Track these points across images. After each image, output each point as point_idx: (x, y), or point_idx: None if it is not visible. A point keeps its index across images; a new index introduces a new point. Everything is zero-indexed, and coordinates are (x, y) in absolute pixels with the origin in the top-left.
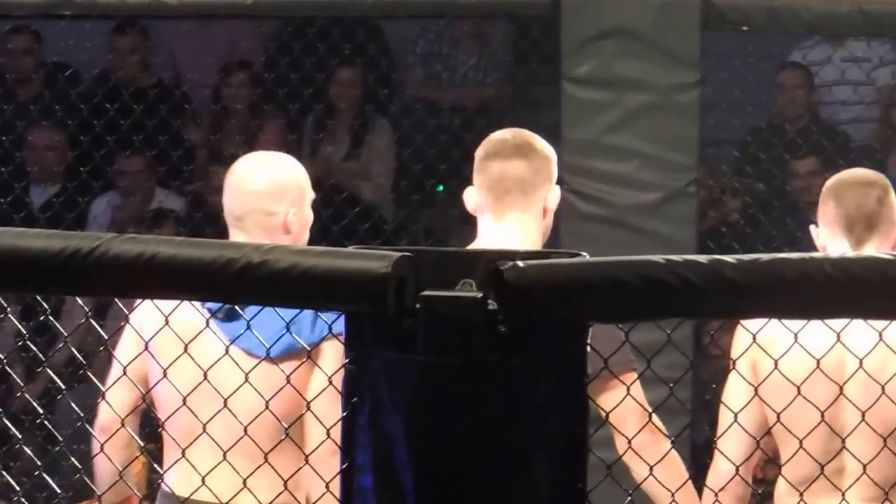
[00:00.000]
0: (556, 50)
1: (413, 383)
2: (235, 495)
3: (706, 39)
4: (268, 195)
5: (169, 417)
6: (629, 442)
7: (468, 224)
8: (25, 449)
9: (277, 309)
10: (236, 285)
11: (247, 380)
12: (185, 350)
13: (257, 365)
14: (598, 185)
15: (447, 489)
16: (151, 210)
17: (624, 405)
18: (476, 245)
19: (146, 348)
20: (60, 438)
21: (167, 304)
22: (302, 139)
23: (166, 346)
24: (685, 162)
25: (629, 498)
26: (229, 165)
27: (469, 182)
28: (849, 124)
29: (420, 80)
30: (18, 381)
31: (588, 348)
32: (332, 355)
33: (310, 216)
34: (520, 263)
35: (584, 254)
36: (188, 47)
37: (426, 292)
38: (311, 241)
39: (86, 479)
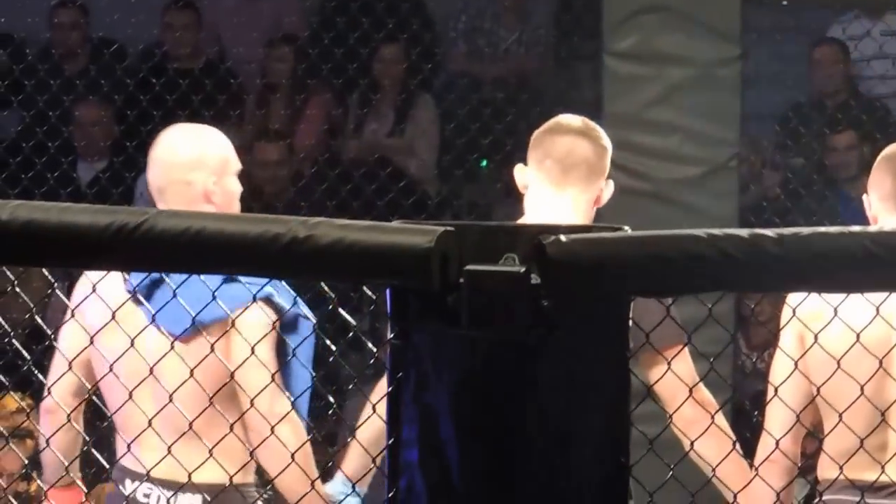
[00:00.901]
0: (598, 24)
1: (457, 357)
2: (197, 469)
3: (747, 14)
4: (185, 166)
5: (118, 409)
6: (670, 417)
7: (511, 198)
8: (74, 425)
9: (188, 285)
10: (282, 260)
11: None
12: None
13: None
14: (639, 159)
15: (491, 463)
16: None
17: (676, 381)
18: (530, 217)
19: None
20: (108, 412)
21: (94, 282)
22: (347, 114)
23: (99, 326)
24: (726, 136)
25: (671, 473)
26: (275, 140)
27: (512, 156)
28: (888, 98)
29: (463, 56)
30: (65, 356)
31: (631, 323)
32: (250, 323)
33: (235, 186)
34: (562, 238)
35: (627, 228)
36: (233, 22)
37: (470, 267)
38: (356, 216)
39: (133, 455)
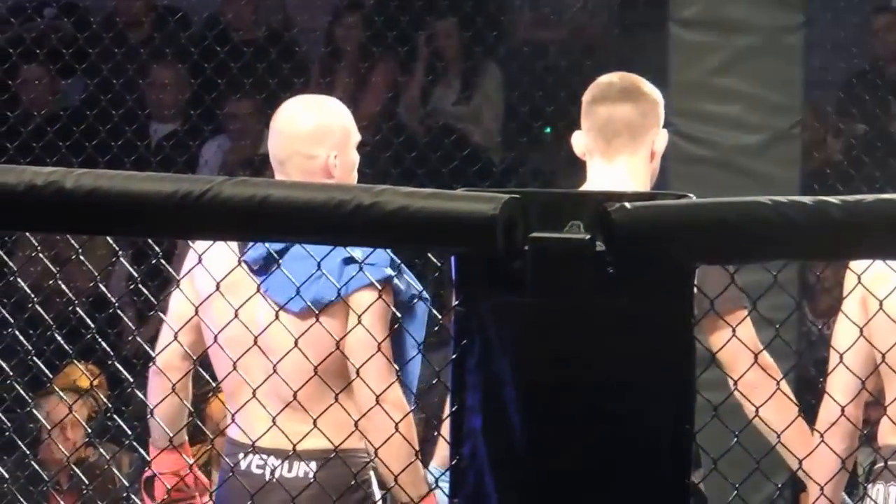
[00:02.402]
0: None
1: (521, 324)
2: (298, 442)
3: None
4: (309, 138)
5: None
6: (735, 382)
7: (575, 166)
8: (137, 393)
9: (306, 262)
10: (346, 227)
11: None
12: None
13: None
14: (704, 126)
15: (555, 430)
16: (261, 153)
17: (736, 344)
18: (586, 188)
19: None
20: (172, 381)
21: (212, 253)
22: (412, 82)
23: (214, 296)
24: (790, 103)
25: (735, 439)
26: None
27: (576, 124)
28: None
29: (528, 23)
30: (130, 324)
31: (695, 289)
32: (366, 305)
33: (355, 159)
34: (627, 205)
35: (691, 195)
36: None
37: (535, 234)
38: (421, 184)
39: (198, 422)
